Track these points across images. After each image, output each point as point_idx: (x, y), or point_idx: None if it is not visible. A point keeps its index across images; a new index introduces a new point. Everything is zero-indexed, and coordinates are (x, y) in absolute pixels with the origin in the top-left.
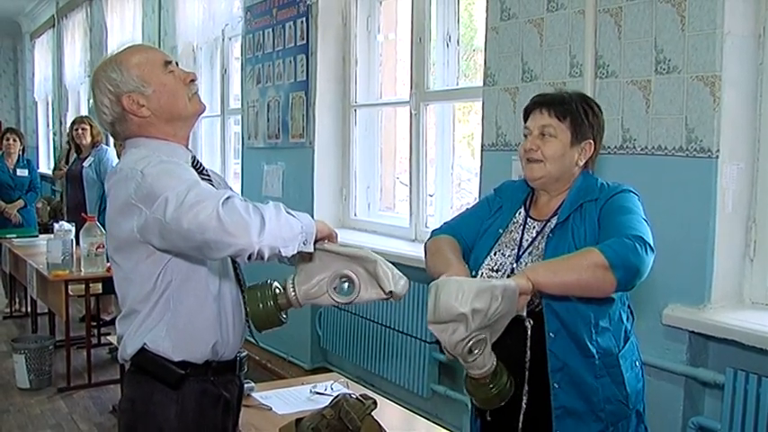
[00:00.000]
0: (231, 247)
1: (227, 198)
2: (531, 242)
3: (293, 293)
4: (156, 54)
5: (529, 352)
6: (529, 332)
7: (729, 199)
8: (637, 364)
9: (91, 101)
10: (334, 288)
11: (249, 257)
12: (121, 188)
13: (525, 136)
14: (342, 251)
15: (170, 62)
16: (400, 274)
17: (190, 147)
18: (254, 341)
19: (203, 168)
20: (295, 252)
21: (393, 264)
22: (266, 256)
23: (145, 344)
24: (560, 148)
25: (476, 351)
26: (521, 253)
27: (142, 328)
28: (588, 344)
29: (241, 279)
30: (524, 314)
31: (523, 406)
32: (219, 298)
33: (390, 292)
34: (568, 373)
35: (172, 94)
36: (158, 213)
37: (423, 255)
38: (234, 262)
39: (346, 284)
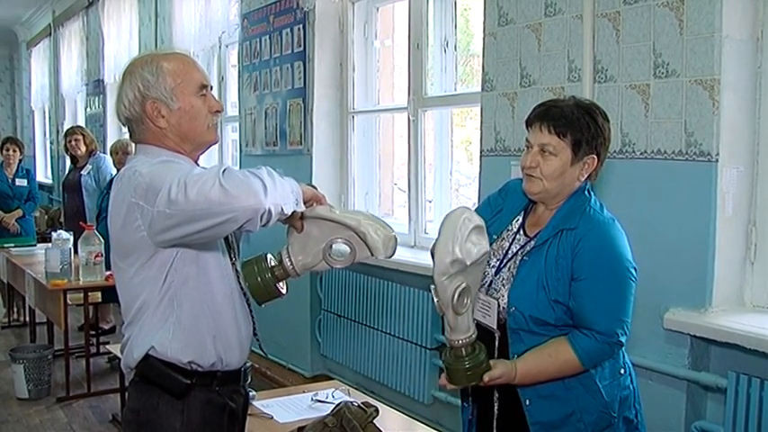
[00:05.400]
0: (242, 211)
1: (225, 169)
2: (512, 257)
3: (290, 264)
4: (197, 74)
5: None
6: (496, 342)
7: (729, 202)
8: (622, 371)
9: (89, 109)
10: (330, 254)
11: (261, 222)
12: (122, 192)
13: (527, 147)
14: (331, 217)
15: (206, 86)
16: (388, 234)
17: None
18: (261, 353)
19: None
20: (293, 210)
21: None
22: (273, 216)
23: (153, 347)
24: (560, 166)
25: (465, 300)
26: (501, 266)
27: (149, 329)
28: None
29: (239, 276)
30: (494, 326)
31: (495, 412)
32: (224, 297)
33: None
34: (537, 389)
35: (194, 117)
36: (161, 205)
37: (422, 260)
38: (232, 258)
39: (342, 248)
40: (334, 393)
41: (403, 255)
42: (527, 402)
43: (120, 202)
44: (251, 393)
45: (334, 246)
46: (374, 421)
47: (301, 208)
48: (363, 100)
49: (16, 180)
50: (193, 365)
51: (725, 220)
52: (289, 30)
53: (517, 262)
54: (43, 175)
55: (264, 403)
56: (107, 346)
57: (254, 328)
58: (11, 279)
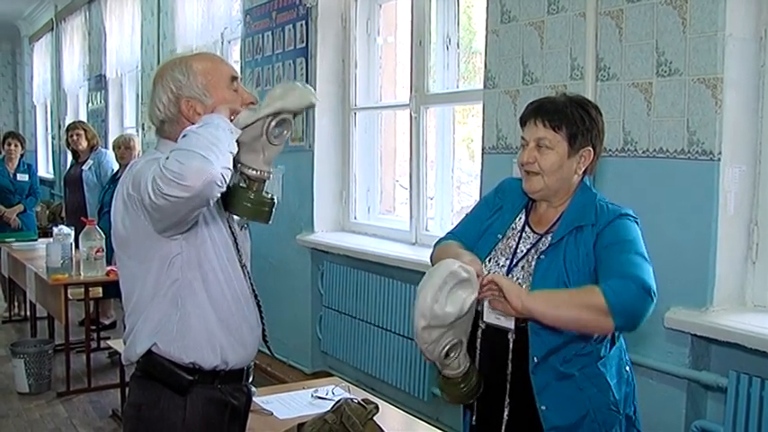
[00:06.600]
0: (203, 188)
1: (163, 163)
2: (524, 255)
3: (256, 172)
4: (225, 67)
5: (510, 365)
6: (511, 345)
7: (731, 201)
8: (627, 368)
9: (91, 105)
10: (274, 137)
11: (227, 182)
12: (122, 183)
13: (522, 146)
14: (255, 119)
15: (236, 78)
16: (306, 95)
17: None
18: (268, 352)
19: None
20: (235, 144)
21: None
22: (230, 168)
23: (155, 343)
24: (557, 160)
25: (452, 355)
26: (512, 265)
27: (151, 325)
28: (568, 363)
29: (251, 282)
30: (512, 327)
31: (505, 417)
32: (232, 301)
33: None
34: (552, 393)
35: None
36: (146, 198)
37: (424, 258)
38: (240, 260)
39: (279, 128)
40: (334, 390)
41: (404, 252)
42: (543, 408)
43: (121, 193)
44: (252, 390)
45: (272, 130)
46: (374, 418)
47: (238, 133)
48: (365, 97)
49: (18, 175)
50: (196, 365)
51: (727, 219)
52: (291, 26)
53: (531, 260)
54: (45, 170)
55: (264, 399)
56: (108, 342)
57: (264, 333)
58: (12, 274)
